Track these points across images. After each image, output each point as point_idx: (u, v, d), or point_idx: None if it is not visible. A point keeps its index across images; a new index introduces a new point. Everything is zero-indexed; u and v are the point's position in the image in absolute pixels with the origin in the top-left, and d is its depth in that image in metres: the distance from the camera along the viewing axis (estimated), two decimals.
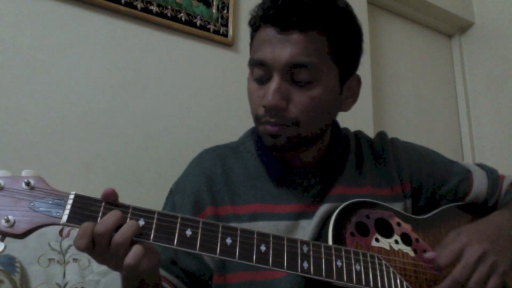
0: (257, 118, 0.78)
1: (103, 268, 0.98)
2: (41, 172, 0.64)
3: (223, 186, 0.83)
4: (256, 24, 0.79)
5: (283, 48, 0.72)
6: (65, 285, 0.96)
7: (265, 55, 0.74)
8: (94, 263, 0.99)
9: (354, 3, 0.84)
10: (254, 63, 0.77)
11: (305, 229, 0.80)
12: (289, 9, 0.72)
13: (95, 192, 0.63)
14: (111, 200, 0.61)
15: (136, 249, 0.58)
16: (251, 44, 0.81)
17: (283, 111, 0.74)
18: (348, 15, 0.79)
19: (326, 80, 0.75)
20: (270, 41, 0.74)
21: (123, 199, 0.62)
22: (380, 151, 0.93)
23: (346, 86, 0.82)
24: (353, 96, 0.85)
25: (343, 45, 0.77)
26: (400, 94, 2.17)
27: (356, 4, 1.91)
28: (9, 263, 0.90)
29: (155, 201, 0.92)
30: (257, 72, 0.77)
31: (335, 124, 0.91)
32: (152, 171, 1.27)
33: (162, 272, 0.78)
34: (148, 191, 1.24)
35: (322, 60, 0.74)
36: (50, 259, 0.97)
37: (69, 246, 1.00)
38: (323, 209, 0.80)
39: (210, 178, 0.84)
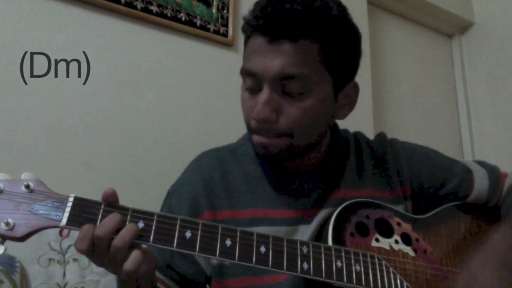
0: (249, 128, 0.77)
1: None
2: (41, 172, 0.63)
3: (221, 190, 0.82)
4: (247, 32, 0.77)
5: (273, 59, 0.70)
6: (65, 285, 0.96)
7: (255, 66, 0.72)
8: None
9: (354, 3, 0.83)
10: (245, 73, 0.75)
11: (305, 234, 0.79)
12: (278, 18, 0.69)
13: (95, 192, 0.63)
14: (111, 201, 0.60)
15: (136, 255, 0.58)
16: (244, 50, 0.79)
17: (273, 124, 0.72)
18: (343, 22, 0.75)
19: (318, 90, 0.73)
20: (260, 51, 0.71)
21: (122, 199, 0.62)
22: (380, 153, 0.92)
23: (342, 94, 0.79)
24: (350, 104, 0.82)
25: (337, 53, 0.74)
26: (400, 94, 2.17)
27: (356, 4, 1.94)
28: (9, 263, 0.90)
29: (155, 202, 0.92)
30: (248, 82, 0.75)
31: (334, 127, 0.89)
32: (152, 171, 1.27)
33: (158, 274, 0.78)
34: (148, 191, 1.24)
35: (314, 70, 0.71)
36: (50, 259, 0.97)
37: (69, 246, 1.00)
38: (322, 214, 0.79)
39: (208, 182, 0.83)
